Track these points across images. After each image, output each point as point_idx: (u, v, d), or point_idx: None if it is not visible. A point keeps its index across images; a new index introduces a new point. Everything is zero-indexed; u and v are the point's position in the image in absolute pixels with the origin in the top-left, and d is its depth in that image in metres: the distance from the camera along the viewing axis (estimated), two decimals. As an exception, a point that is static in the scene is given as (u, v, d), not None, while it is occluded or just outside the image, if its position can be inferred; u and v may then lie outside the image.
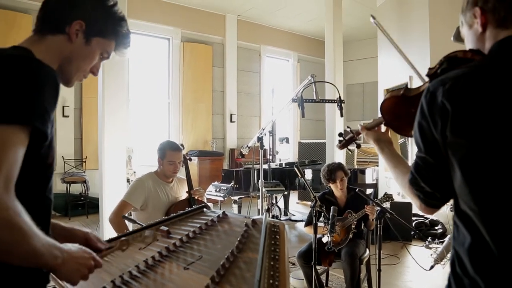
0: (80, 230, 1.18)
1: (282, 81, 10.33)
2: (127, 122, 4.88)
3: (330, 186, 3.29)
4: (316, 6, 8.08)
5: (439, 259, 3.48)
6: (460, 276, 0.88)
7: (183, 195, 2.88)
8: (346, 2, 7.53)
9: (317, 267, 3.01)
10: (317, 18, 8.72)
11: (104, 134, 4.42)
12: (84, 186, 6.68)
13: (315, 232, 2.65)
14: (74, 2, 1.00)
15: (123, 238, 1.31)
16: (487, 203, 0.83)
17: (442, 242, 4.32)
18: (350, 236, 3.06)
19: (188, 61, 8.28)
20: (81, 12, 0.99)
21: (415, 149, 0.99)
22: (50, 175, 0.97)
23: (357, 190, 2.95)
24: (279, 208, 6.34)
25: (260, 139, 3.22)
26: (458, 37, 1.34)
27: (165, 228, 1.34)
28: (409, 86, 1.26)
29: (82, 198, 6.72)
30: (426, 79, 1.15)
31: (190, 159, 3.09)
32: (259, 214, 3.61)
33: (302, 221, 5.65)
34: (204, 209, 1.47)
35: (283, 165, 5.88)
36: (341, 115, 3.28)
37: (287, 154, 9.52)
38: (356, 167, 7.44)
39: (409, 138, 6.26)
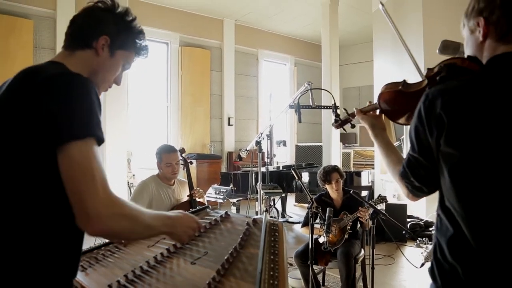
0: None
1: (279, 85, 10.45)
2: (127, 126, 4.97)
3: (326, 188, 3.40)
4: (313, 11, 8.21)
5: (429, 257, 3.60)
6: (441, 261, 0.98)
7: (184, 197, 2.98)
8: (342, 7, 7.67)
9: (314, 266, 3.10)
10: (314, 22, 8.85)
11: (105, 138, 4.50)
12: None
13: (312, 233, 2.74)
14: (99, 19, 1.09)
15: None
16: (471, 207, 0.92)
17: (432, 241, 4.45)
18: (346, 236, 3.15)
19: (187, 65, 8.39)
20: (106, 28, 1.09)
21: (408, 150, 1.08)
22: None
23: (351, 192, 3.05)
24: (277, 210, 6.43)
25: (258, 143, 3.32)
26: (443, 51, 1.44)
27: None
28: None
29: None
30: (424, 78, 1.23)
31: (191, 162, 3.19)
32: (257, 215, 3.70)
33: (299, 223, 5.74)
34: (208, 209, 1.56)
35: (281, 168, 5.98)
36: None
37: (284, 157, 9.61)
38: (352, 169, 7.55)
39: (403, 141, 6.39)
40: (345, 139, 9.54)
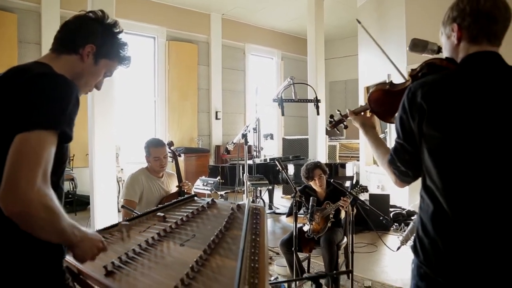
0: None
1: (266, 78, 10.53)
2: (115, 120, 5.01)
3: (310, 184, 3.50)
4: (299, 5, 8.30)
5: (404, 241, 3.80)
6: (422, 237, 1.14)
7: (173, 188, 3.07)
8: (327, 2, 7.77)
9: (299, 254, 3.23)
10: (300, 17, 8.95)
11: (94, 132, 4.55)
12: (72, 184, 6.77)
13: (296, 221, 2.87)
14: (88, 28, 1.20)
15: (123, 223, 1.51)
16: (449, 181, 1.09)
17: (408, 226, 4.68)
18: (329, 225, 3.29)
19: (174, 59, 8.41)
20: (93, 38, 1.19)
21: (393, 142, 1.22)
22: (64, 169, 1.18)
23: (331, 181, 3.16)
24: (264, 202, 6.56)
25: (244, 136, 3.42)
26: (413, 48, 1.57)
27: (161, 214, 1.54)
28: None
29: (70, 196, 6.80)
30: (408, 78, 1.39)
31: (180, 155, 3.28)
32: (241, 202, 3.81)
33: (285, 213, 5.89)
34: (195, 197, 1.67)
35: (267, 161, 6.10)
36: (318, 114, 3.49)
37: (271, 150, 9.74)
38: (338, 161, 7.72)
39: (388, 133, 6.56)
40: (332, 132, 9.68)
